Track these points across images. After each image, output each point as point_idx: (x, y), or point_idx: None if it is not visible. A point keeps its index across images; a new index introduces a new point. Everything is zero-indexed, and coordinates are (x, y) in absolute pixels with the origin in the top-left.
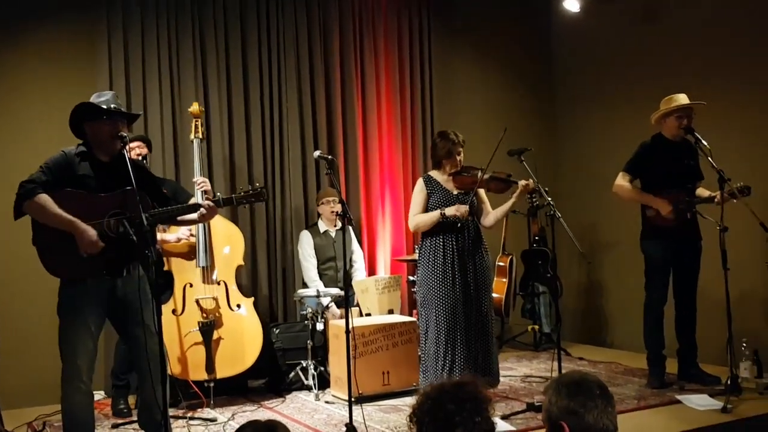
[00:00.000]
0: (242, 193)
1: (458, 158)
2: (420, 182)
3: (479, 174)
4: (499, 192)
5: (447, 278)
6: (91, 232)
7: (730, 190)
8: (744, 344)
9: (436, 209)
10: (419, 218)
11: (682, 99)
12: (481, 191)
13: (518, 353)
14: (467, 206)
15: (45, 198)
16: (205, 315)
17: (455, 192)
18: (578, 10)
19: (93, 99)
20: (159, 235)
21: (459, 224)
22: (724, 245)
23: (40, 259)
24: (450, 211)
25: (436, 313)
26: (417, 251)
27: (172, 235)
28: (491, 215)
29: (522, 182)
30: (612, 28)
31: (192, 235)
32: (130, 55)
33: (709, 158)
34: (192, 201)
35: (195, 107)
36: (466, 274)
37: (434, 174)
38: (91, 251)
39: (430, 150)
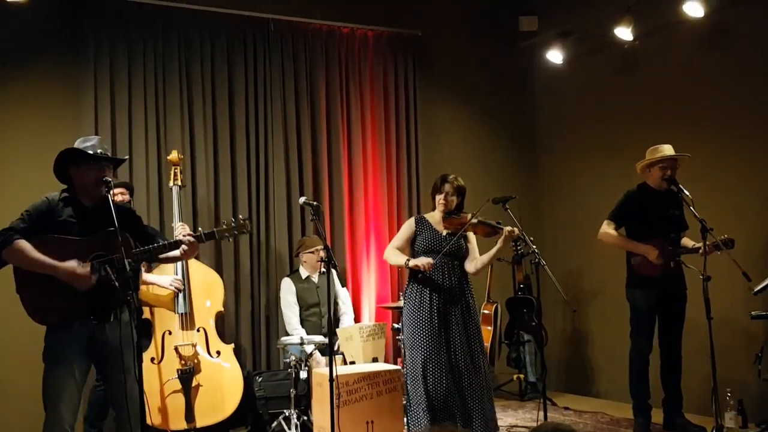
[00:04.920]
0: (224, 226)
1: (441, 196)
2: (411, 220)
3: (468, 216)
4: (487, 236)
5: (433, 322)
6: (74, 265)
7: (715, 242)
8: (729, 394)
9: (421, 249)
10: (393, 252)
11: (667, 150)
12: (471, 235)
13: (504, 403)
14: (432, 261)
15: (23, 244)
16: (183, 362)
17: (444, 233)
18: (561, 62)
19: (78, 144)
20: (143, 275)
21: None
22: (708, 294)
23: (24, 306)
24: (413, 262)
25: (421, 357)
26: (402, 296)
27: (155, 277)
28: (477, 260)
29: (507, 228)
30: (594, 79)
31: (178, 288)
32: (116, 101)
33: (692, 208)
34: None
35: (174, 155)
36: (451, 318)
37: (428, 215)
38: (86, 284)
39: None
